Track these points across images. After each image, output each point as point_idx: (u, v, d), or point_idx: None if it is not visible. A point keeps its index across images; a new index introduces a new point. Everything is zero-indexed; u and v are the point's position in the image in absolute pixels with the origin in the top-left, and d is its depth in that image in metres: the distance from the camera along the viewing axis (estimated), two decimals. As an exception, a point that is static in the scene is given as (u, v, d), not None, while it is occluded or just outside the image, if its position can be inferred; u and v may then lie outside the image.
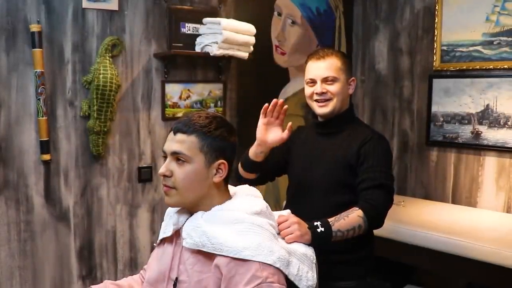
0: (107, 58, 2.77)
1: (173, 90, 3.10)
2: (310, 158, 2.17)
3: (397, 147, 3.84)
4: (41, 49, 2.61)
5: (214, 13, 3.18)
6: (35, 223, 2.71)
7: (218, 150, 1.48)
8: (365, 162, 2.00)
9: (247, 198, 1.54)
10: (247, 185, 1.65)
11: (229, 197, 1.56)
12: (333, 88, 2.08)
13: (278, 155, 2.24)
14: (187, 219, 1.52)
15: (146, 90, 3.02)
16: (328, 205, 2.01)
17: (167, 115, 3.07)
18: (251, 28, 3.11)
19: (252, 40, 3.12)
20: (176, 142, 1.48)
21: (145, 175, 3.04)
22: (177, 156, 1.47)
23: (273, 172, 2.33)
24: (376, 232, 2.93)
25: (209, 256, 1.41)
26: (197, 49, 3.05)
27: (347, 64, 2.16)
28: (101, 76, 2.70)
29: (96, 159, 2.86)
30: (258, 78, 3.52)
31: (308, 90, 2.15)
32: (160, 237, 1.61)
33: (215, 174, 1.49)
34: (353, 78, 2.18)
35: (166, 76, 3.06)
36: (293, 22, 3.68)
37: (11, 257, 2.65)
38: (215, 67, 3.28)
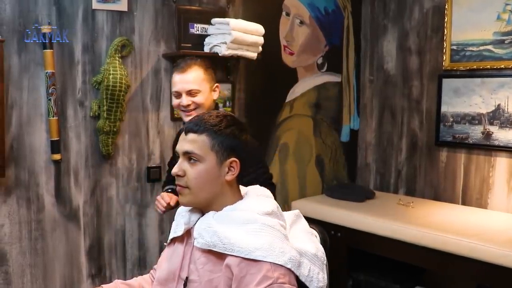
0: (117, 58, 2.78)
1: (183, 90, 3.10)
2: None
3: (406, 148, 3.83)
4: (52, 50, 2.62)
5: (223, 14, 3.19)
6: (46, 222, 2.73)
7: (229, 148, 1.49)
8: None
9: (258, 199, 1.54)
10: (258, 186, 1.65)
11: (240, 197, 1.56)
12: (198, 99, 2.26)
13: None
14: (198, 219, 1.53)
15: (155, 91, 3.03)
16: None
17: (176, 115, 3.08)
18: (259, 28, 3.11)
19: (261, 40, 3.12)
20: (188, 142, 1.49)
21: (154, 175, 3.05)
22: (189, 156, 1.48)
23: None
24: (385, 233, 2.95)
25: (220, 256, 1.41)
26: (206, 49, 3.06)
27: (210, 72, 2.33)
28: (110, 76, 2.71)
29: (105, 159, 2.87)
30: (266, 78, 3.53)
31: (174, 101, 2.32)
32: (171, 237, 1.62)
33: (227, 172, 1.49)
34: (216, 84, 2.35)
35: (175, 76, 3.07)
36: (301, 22, 3.68)
37: (23, 255, 2.67)
38: (223, 67, 3.28)
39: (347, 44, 3.99)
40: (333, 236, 3.17)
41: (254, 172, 2.14)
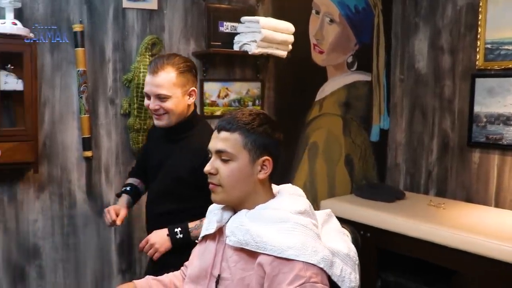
0: (147, 56, 2.80)
1: (211, 89, 3.11)
2: (156, 161, 2.23)
3: (437, 148, 3.77)
4: (83, 49, 2.65)
5: (252, 12, 3.18)
6: (78, 218, 2.76)
7: (262, 147, 1.48)
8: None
9: (291, 197, 1.53)
10: (290, 184, 1.64)
11: (272, 195, 1.55)
12: (167, 105, 2.05)
13: (142, 162, 2.42)
14: (230, 217, 1.52)
15: (185, 89, 3.04)
16: (153, 213, 2.25)
17: (205, 113, 3.09)
18: (289, 27, 3.09)
19: (291, 38, 3.11)
20: (220, 140, 1.48)
21: (185, 173, 3.05)
22: (221, 154, 1.48)
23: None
24: (416, 234, 2.91)
25: (252, 254, 1.41)
26: (236, 47, 3.06)
27: (186, 75, 2.08)
28: (141, 74, 2.73)
29: (136, 156, 2.89)
30: (296, 77, 3.51)
31: (145, 102, 2.14)
32: (203, 234, 1.62)
33: (260, 171, 1.49)
34: (193, 88, 2.11)
35: (204, 74, 3.07)
36: (331, 21, 3.65)
37: (55, 250, 2.71)
38: (253, 65, 3.28)
39: (378, 42, 3.94)
40: (362, 236, 3.10)
41: None
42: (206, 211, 1.75)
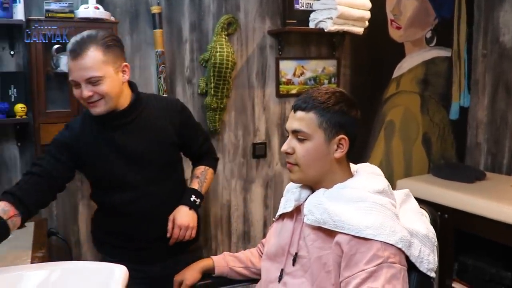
0: (223, 36, 2.83)
1: (287, 67, 3.11)
2: (116, 153, 1.91)
3: (522, 126, 3.59)
4: (161, 30, 2.72)
5: (328, -12, 3.13)
6: (157, 195, 2.86)
7: (337, 125, 1.46)
8: (191, 133, 2.10)
9: (369, 176, 1.51)
10: (368, 163, 1.63)
11: (350, 174, 1.54)
12: (101, 88, 1.78)
13: (61, 171, 1.88)
14: (308, 196, 1.53)
15: (261, 67, 3.05)
16: (163, 185, 2.00)
17: (281, 92, 3.09)
18: (366, 3, 3.02)
19: (368, 14, 3.04)
20: (296, 120, 1.49)
21: (260, 151, 3.09)
22: (297, 134, 1.48)
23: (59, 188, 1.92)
24: (497, 216, 2.80)
25: (330, 233, 1.41)
26: (311, 25, 3.03)
27: (114, 50, 1.82)
28: (217, 54, 2.76)
29: (212, 135, 2.95)
30: (372, 54, 3.44)
31: (75, 92, 1.83)
32: (280, 212, 1.64)
33: (336, 150, 1.48)
34: (125, 64, 1.87)
35: (280, 53, 3.07)
36: (410, -5, 3.53)
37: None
38: (329, 43, 3.24)
39: (459, 16, 3.77)
40: (439, 217, 3.05)
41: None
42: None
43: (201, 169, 2.15)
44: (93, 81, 1.76)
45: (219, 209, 3.04)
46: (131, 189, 1.92)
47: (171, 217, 1.95)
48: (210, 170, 2.17)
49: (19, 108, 2.37)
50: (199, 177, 2.10)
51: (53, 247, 2.27)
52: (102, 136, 1.90)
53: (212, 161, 2.22)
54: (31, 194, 1.74)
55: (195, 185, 2.07)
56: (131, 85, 1.95)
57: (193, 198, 2.01)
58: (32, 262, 1.81)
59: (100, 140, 1.90)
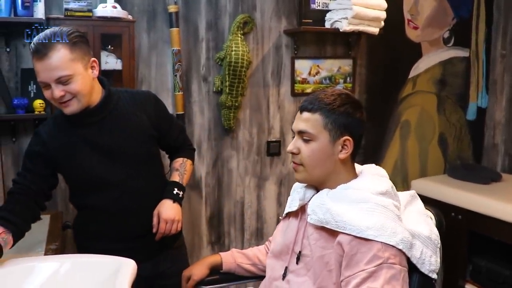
0: (239, 35, 2.86)
1: (303, 66, 3.13)
2: (93, 151, 1.85)
3: (541, 128, 3.55)
4: (178, 28, 2.76)
5: (345, -12, 3.14)
6: (171, 191, 2.90)
7: (342, 127, 1.48)
8: (167, 125, 2.04)
9: (373, 178, 1.53)
10: (373, 164, 1.64)
11: (355, 175, 1.56)
12: (72, 86, 1.72)
13: (40, 182, 1.85)
14: (313, 195, 1.56)
15: (276, 66, 3.08)
16: (144, 180, 1.92)
17: (296, 91, 3.12)
18: (382, 3, 3.02)
19: (383, 15, 3.04)
20: (302, 121, 1.51)
21: (274, 149, 3.13)
22: (303, 135, 1.51)
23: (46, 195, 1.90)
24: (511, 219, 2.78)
25: (332, 233, 1.43)
26: (327, 25, 3.04)
27: (80, 46, 1.75)
28: (233, 53, 2.80)
29: (227, 133, 2.99)
30: (388, 53, 3.44)
31: (45, 93, 1.76)
32: (286, 211, 1.67)
33: (341, 151, 1.50)
34: (93, 59, 1.80)
35: (295, 52, 3.09)
36: (428, -5, 3.52)
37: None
38: (344, 43, 3.25)
39: (477, 16, 3.74)
40: (453, 219, 3.06)
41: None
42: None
43: (179, 161, 2.08)
44: (63, 81, 1.71)
45: (233, 206, 3.08)
46: (112, 186, 1.86)
47: (155, 212, 1.91)
48: (189, 162, 2.10)
49: (38, 104, 2.43)
50: (178, 170, 2.04)
51: (68, 240, 2.32)
52: (77, 136, 1.84)
53: (189, 152, 2.15)
54: (16, 212, 1.73)
55: (175, 177, 2.00)
56: (101, 81, 1.90)
57: (175, 191, 1.95)
58: (45, 254, 1.87)
59: (75, 139, 1.84)
